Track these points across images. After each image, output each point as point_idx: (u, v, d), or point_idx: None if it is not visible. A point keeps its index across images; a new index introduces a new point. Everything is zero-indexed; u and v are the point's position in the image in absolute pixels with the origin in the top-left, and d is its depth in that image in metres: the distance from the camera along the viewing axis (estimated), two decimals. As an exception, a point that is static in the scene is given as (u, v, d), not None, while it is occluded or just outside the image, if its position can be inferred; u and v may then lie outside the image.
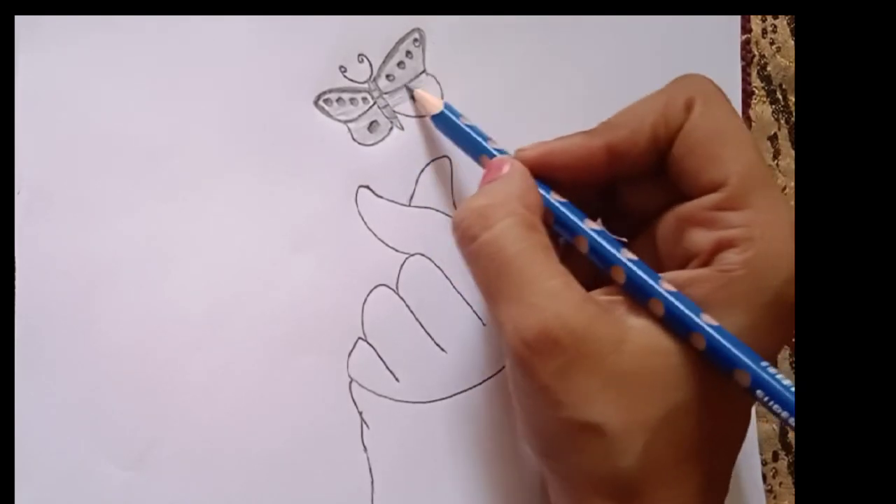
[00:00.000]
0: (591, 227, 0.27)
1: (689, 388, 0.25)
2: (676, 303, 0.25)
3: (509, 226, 0.26)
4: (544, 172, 0.28)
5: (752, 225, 0.26)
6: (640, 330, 0.25)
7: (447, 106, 0.31)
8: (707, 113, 0.27)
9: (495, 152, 0.29)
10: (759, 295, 0.25)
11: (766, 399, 0.24)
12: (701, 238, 0.26)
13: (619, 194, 0.29)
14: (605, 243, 0.27)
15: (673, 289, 0.25)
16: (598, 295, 0.27)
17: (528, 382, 0.25)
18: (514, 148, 0.29)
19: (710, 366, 0.25)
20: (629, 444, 0.25)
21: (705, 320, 0.25)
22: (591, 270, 0.27)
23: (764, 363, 0.24)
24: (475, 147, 0.30)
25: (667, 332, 0.25)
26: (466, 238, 0.26)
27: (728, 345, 0.25)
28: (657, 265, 0.27)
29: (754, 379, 0.24)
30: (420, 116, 0.32)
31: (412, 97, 0.32)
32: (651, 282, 0.26)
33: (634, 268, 0.26)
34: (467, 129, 0.30)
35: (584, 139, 0.28)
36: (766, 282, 0.25)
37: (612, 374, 0.25)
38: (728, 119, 0.27)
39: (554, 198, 0.28)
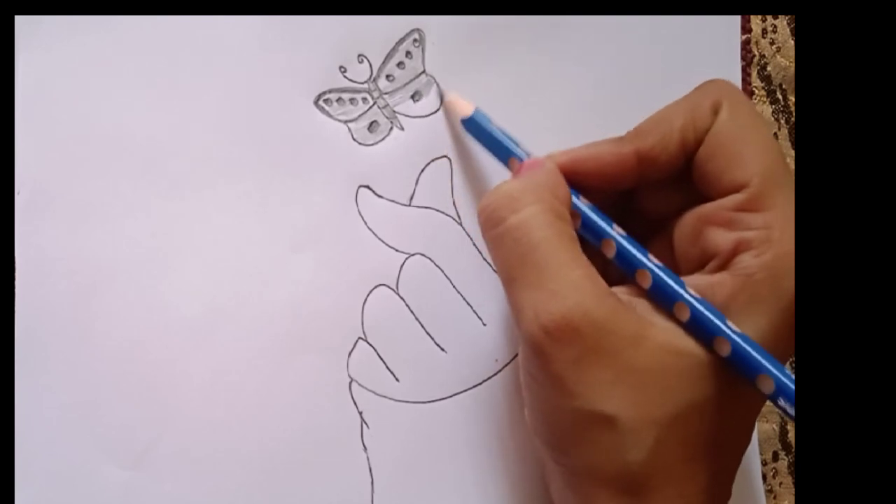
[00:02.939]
0: (618, 231, 0.27)
1: (702, 388, 0.25)
2: (702, 308, 0.25)
3: (538, 211, 0.26)
4: (574, 178, 0.28)
5: (770, 227, 0.26)
6: (660, 328, 0.26)
7: (477, 110, 0.31)
8: (733, 115, 0.27)
9: (525, 156, 0.29)
10: (777, 298, 0.26)
11: (787, 407, 0.24)
12: (721, 238, 0.26)
13: (637, 196, 0.30)
14: (632, 248, 0.27)
15: (697, 294, 0.26)
16: (620, 292, 0.27)
17: (543, 370, 0.25)
18: (536, 153, 0.29)
19: (724, 368, 0.25)
20: (640, 439, 0.25)
21: (730, 326, 0.25)
22: (604, 273, 0.27)
23: (788, 371, 0.25)
24: (505, 150, 0.30)
25: (685, 332, 0.26)
26: (493, 220, 0.26)
27: (753, 352, 0.25)
28: (673, 265, 0.27)
29: (778, 386, 0.24)
30: (420, 117, 0.32)
31: (442, 100, 0.32)
32: (677, 287, 0.26)
33: (661, 273, 0.26)
34: (498, 133, 0.30)
35: (615, 146, 0.28)
36: (784, 284, 0.26)
37: (627, 369, 0.25)
38: (753, 122, 0.28)
39: (582, 202, 0.28)
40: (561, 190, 0.27)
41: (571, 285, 0.25)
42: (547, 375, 0.25)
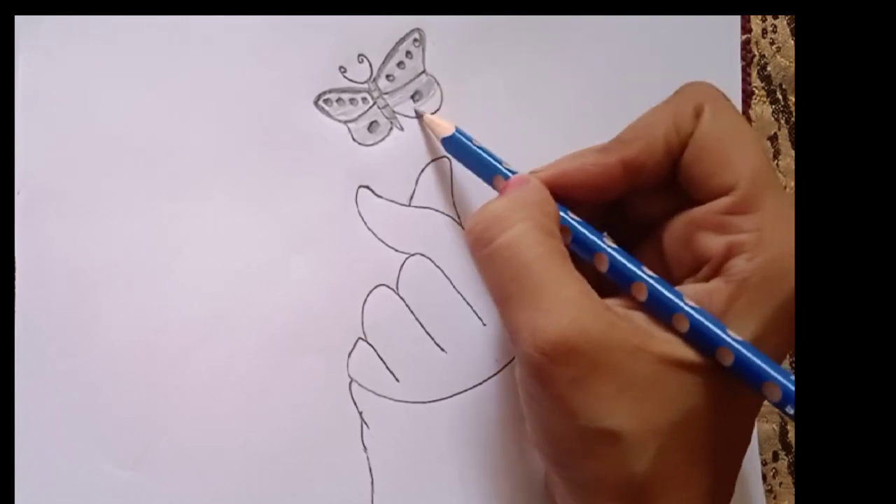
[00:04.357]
0: (610, 245, 0.27)
1: (702, 395, 0.25)
2: (702, 319, 0.25)
3: (527, 229, 0.26)
4: (560, 192, 0.28)
5: (761, 229, 0.26)
6: (658, 339, 0.25)
7: (458, 129, 0.30)
8: (716, 118, 0.27)
9: (509, 173, 0.29)
10: (771, 300, 0.25)
11: (794, 414, 0.24)
12: (712, 242, 0.26)
13: (624, 202, 0.29)
14: (625, 261, 0.27)
15: (694, 304, 0.26)
16: (614, 305, 0.26)
17: (544, 391, 0.25)
18: (521, 166, 0.29)
19: (722, 373, 0.25)
20: (643, 450, 0.24)
21: (731, 335, 0.25)
22: (596, 287, 0.27)
23: (793, 377, 0.24)
24: (488, 168, 0.29)
25: (682, 341, 0.25)
26: (482, 240, 0.26)
27: (758, 361, 0.25)
28: (664, 270, 0.27)
29: (785, 394, 0.24)
30: (421, 117, 0.32)
31: (420, 119, 0.32)
32: (675, 298, 0.26)
33: (657, 285, 0.26)
34: (480, 151, 0.29)
35: (599, 157, 0.28)
36: (778, 286, 0.25)
37: (628, 382, 0.25)
38: (736, 124, 0.27)
39: (570, 217, 0.28)
40: (549, 206, 0.27)
41: (566, 303, 0.25)
42: (547, 396, 0.25)
